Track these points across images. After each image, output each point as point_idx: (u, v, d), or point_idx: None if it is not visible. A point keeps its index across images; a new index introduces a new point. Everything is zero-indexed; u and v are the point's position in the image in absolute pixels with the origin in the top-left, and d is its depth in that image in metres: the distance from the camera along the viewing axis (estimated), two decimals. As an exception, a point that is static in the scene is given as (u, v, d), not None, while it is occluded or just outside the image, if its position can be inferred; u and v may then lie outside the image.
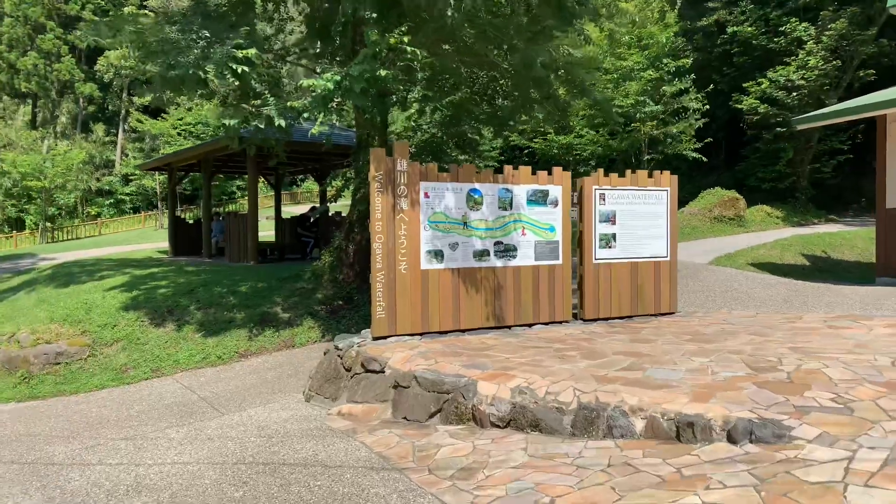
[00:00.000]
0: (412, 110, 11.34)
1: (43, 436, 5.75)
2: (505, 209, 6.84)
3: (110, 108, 47.47)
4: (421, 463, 3.99)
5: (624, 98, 17.86)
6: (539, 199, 7.02)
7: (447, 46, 8.12)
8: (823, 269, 11.99)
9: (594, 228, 7.28)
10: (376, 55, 6.42)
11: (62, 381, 7.80)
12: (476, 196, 6.69)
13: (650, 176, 7.64)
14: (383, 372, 5.46)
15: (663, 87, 18.23)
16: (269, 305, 9.56)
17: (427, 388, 4.99)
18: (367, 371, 5.61)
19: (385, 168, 6.22)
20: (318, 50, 9.42)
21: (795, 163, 21.67)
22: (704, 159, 19.78)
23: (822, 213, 21.74)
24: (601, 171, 7.43)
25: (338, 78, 6.24)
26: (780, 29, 21.58)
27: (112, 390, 7.45)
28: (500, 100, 10.27)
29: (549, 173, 7.15)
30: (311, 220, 17.12)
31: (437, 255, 6.48)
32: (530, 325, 6.97)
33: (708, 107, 19.65)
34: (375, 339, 6.21)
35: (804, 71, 19.99)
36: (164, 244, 20.59)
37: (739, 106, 21.31)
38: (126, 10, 22.40)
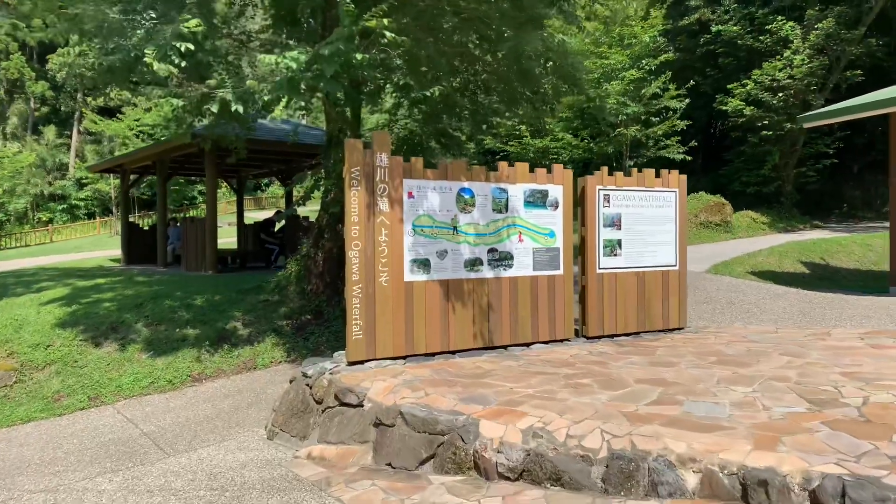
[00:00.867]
0: (388, 105, 10.44)
1: (-64, 490, 4.68)
2: (499, 212, 5.97)
3: (63, 109, 45.09)
4: (416, 536, 3.11)
5: (605, 99, 17.21)
6: (537, 200, 6.17)
7: (430, 39, 7.32)
8: (824, 277, 11.46)
9: (598, 233, 6.46)
10: (351, 36, 5.52)
11: (-21, 413, 6.65)
12: (467, 196, 5.81)
13: (657, 175, 6.86)
14: (362, 406, 4.55)
15: (644, 89, 17.67)
16: (227, 321, 8.51)
17: (416, 428, 4.10)
18: (342, 404, 4.69)
19: (362, 163, 5.32)
20: (283, 38, 8.48)
21: (780, 167, 21.30)
22: (689, 158, 19.26)
23: (806, 219, 21.41)
24: (605, 169, 6.60)
25: (304, 58, 5.32)
26: (766, 28, 21.15)
27: (39, 423, 6.36)
28: (482, 95, 9.45)
29: (549, 171, 6.33)
30: (277, 225, 16.13)
31: (423, 264, 5.58)
32: (528, 345, 6.11)
33: (689, 100, 19.06)
34: (351, 363, 5.28)
35: (790, 69, 19.64)
36: (118, 252, 19.21)
37: (724, 108, 20.82)
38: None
